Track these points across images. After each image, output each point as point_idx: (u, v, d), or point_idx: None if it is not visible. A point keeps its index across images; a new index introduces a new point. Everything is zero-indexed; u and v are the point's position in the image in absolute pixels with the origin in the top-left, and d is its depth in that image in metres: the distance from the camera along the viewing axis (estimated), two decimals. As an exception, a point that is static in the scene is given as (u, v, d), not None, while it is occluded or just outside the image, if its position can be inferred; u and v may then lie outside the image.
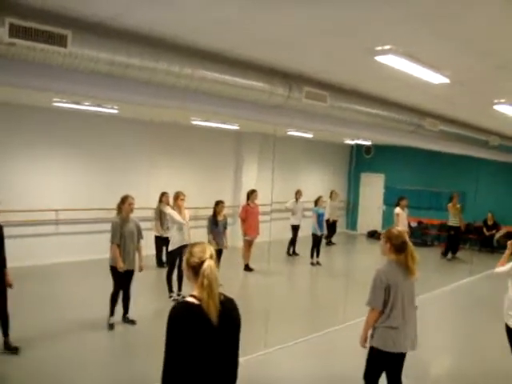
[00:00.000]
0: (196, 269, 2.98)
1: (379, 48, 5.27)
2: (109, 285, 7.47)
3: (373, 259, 15.04)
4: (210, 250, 3.08)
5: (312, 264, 12.95)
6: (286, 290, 10.93)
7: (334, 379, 6.11)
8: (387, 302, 4.53)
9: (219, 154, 15.03)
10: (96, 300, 8.24)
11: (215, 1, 4.09)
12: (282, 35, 5.11)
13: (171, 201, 10.00)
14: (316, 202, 13.09)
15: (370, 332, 4.68)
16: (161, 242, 11.30)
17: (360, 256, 15.32)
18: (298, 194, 13.98)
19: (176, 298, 8.79)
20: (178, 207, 9.03)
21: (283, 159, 15.78)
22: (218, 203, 10.22)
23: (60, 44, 4.63)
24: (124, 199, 7.66)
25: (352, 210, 19.12)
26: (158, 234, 11.45)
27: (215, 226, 10.02)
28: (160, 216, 11.24)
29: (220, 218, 10.11)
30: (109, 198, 11.85)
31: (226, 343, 3.02)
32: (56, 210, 11.23)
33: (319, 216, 12.85)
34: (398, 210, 13.04)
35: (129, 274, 7.59)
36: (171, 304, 2.95)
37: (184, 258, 3.10)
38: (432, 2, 3.89)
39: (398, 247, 4.60)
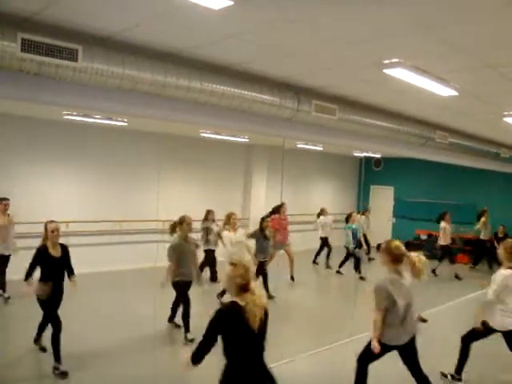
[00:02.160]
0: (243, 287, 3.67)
1: (387, 61, 5.29)
2: (120, 297, 7.43)
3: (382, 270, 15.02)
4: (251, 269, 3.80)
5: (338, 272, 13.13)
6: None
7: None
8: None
9: (229, 167, 15.05)
10: (108, 313, 8.22)
11: (226, 16, 4.13)
12: (291, 48, 5.15)
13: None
14: (348, 219, 13.05)
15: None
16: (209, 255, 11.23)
17: (369, 268, 15.19)
18: (324, 211, 14.02)
19: None
20: (231, 226, 9.16)
21: (293, 172, 15.78)
22: (264, 219, 10.38)
23: (71, 58, 4.69)
24: (182, 219, 7.67)
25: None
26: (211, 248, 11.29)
27: (264, 239, 10.11)
28: (206, 233, 11.13)
29: (267, 232, 10.24)
30: (119, 210, 11.95)
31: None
32: (66, 222, 11.27)
33: (353, 231, 12.80)
34: (443, 224, 13.13)
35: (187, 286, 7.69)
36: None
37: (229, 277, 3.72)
38: (439, 14, 3.91)
39: (396, 258, 4.95)
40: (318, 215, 13.89)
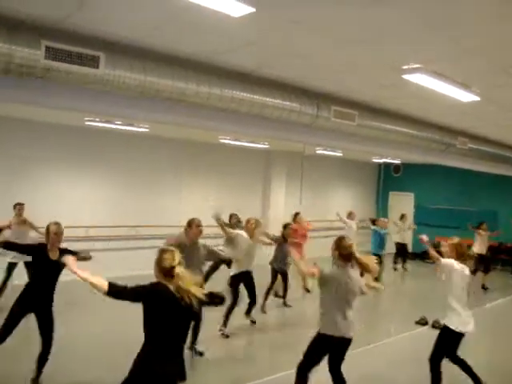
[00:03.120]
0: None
1: (406, 67, 5.29)
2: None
3: (406, 279, 14.93)
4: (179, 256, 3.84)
5: None
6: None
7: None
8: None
9: (248, 173, 15.07)
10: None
11: (247, 23, 4.16)
12: (310, 54, 5.17)
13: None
14: (374, 222, 12.79)
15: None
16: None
17: (390, 275, 15.10)
18: (352, 214, 13.81)
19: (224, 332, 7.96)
20: (247, 231, 8.34)
21: (312, 178, 15.77)
22: (286, 226, 10.02)
23: (93, 65, 4.76)
24: (190, 222, 6.84)
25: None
26: None
27: (283, 247, 9.64)
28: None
29: (290, 238, 9.84)
30: (138, 215, 12.04)
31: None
32: (86, 227, 11.39)
33: (380, 235, 12.40)
34: (482, 232, 12.85)
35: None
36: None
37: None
38: (459, 19, 3.90)
39: (345, 257, 4.95)
40: (373, 222, 13.18)
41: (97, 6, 4.10)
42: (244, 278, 8.11)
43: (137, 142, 12.03)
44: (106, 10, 4.19)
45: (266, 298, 9.53)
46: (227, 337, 7.82)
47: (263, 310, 9.44)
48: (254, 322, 8.55)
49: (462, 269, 5.63)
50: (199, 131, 9.76)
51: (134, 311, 3.86)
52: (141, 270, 7.54)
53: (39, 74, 4.60)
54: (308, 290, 11.00)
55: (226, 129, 7.16)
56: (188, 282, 3.70)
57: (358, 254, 4.95)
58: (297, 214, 11.60)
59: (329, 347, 4.97)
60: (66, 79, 4.74)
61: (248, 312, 8.47)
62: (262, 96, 6.01)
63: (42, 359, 5.58)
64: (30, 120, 10.15)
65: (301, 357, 5.01)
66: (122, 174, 12.23)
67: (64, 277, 5.58)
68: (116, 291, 3.68)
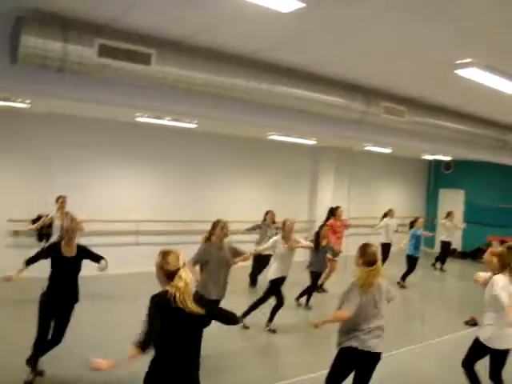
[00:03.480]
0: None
1: (460, 61, 5.17)
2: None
3: (458, 278, 14.63)
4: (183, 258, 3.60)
5: (399, 284, 11.83)
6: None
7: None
8: None
9: (295, 169, 15.01)
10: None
11: (296, 18, 4.15)
12: (361, 50, 5.12)
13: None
14: (412, 224, 12.46)
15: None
16: (260, 260, 10.61)
17: (441, 275, 14.82)
18: (391, 212, 13.56)
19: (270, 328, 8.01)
20: (284, 233, 8.16)
21: (360, 174, 15.60)
22: (322, 227, 9.94)
23: (144, 62, 4.84)
24: (215, 224, 6.66)
25: (430, 227, 18.60)
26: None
27: (319, 250, 9.50)
28: (260, 234, 10.80)
29: (324, 242, 9.64)
30: (188, 210, 12.18)
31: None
32: (137, 221, 11.60)
33: (416, 237, 12.14)
34: None
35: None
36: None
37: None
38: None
39: (369, 264, 4.66)
40: (383, 216, 13.11)
41: (149, 4, 4.17)
42: (281, 283, 8.05)
43: (186, 137, 12.15)
44: (158, 8, 4.25)
45: (308, 297, 9.57)
46: (274, 332, 7.89)
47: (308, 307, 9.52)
48: (273, 331, 8.04)
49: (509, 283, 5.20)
50: (247, 127, 9.80)
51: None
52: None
53: (93, 72, 4.71)
54: (322, 288, 10.76)
55: (275, 125, 7.16)
56: (188, 291, 3.48)
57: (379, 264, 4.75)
58: (337, 208, 11.45)
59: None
60: (118, 76, 4.84)
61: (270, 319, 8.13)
62: (311, 92, 6.00)
63: (46, 348, 5.58)
64: (81, 116, 10.37)
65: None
66: (171, 169, 12.38)
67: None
68: (146, 344, 3.42)
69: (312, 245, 9.19)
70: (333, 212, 11.48)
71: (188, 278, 3.51)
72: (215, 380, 5.83)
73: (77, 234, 5.77)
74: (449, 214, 14.69)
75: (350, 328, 4.60)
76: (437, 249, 16.56)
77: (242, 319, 7.48)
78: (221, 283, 6.57)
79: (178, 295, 3.39)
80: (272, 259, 8.56)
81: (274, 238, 8.34)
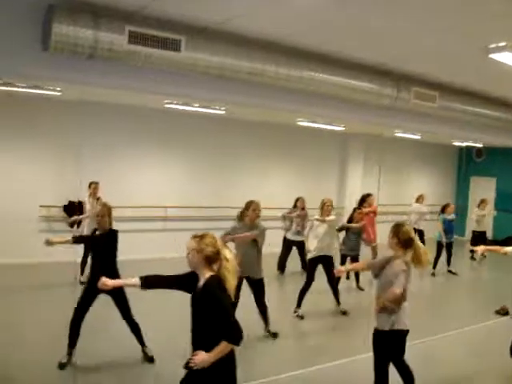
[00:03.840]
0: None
1: (494, 45, 5.07)
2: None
3: (486, 267, 14.44)
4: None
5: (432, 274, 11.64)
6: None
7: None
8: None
9: (324, 155, 14.93)
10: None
11: (327, 3, 4.12)
12: (392, 35, 5.05)
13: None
14: (443, 209, 12.32)
15: None
16: (289, 244, 10.85)
17: (471, 262, 14.64)
18: (421, 198, 13.41)
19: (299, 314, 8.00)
20: (322, 213, 8.18)
21: (389, 161, 15.46)
22: (356, 210, 9.93)
23: (174, 49, 4.85)
24: (248, 205, 6.80)
25: (461, 215, 18.36)
26: (288, 237, 10.88)
27: (352, 233, 9.56)
28: (290, 221, 10.81)
29: (354, 224, 9.62)
30: (215, 196, 12.25)
31: None
32: (165, 207, 11.71)
33: (446, 223, 11.97)
34: None
35: (253, 283, 6.79)
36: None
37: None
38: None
39: (404, 243, 4.66)
40: (442, 210, 12.29)
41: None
42: (322, 262, 8.01)
43: (214, 124, 12.17)
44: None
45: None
46: (302, 318, 7.87)
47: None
48: (344, 313, 8.16)
49: None
50: (277, 113, 9.76)
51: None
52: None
53: (123, 58, 4.74)
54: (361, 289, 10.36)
55: (304, 110, 7.12)
56: (233, 272, 3.44)
57: (417, 242, 4.73)
58: (369, 195, 11.35)
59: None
60: (148, 63, 4.87)
61: (337, 301, 8.26)
62: (340, 77, 5.96)
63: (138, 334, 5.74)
64: (111, 103, 10.46)
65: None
66: (200, 155, 12.43)
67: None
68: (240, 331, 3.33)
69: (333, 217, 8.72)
70: (364, 199, 11.37)
71: (232, 258, 3.49)
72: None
73: (108, 218, 5.76)
74: (482, 202, 14.44)
75: (393, 308, 4.58)
76: (467, 236, 16.39)
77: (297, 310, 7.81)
78: (251, 262, 6.63)
79: (229, 277, 3.40)
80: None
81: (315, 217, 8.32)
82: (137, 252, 10.18)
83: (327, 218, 8.10)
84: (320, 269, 8.03)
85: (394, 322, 4.58)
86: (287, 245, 10.85)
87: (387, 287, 4.54)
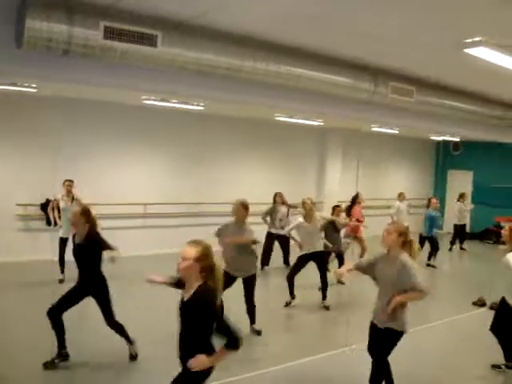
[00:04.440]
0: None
1: (469, 40, 5.10)
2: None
3: (463, 260, 14.64)
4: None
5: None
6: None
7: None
8: None
9: (303, 150, 14.96)
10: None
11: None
12: (369, 29, 5.05)
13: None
14: (428, 204, 12.52)
15: None
16: (273, 239, 10.90)
17: (450, 254, 14.81)
18: (402, 196, 13.53)
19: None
20: (305, 213, 8.34)
21: (367, 155, 15.55)
22: (335, 208, 9.96)
23: (151, 44, 4.81)
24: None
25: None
26: (273, 231, 10.91)
27: (333, 230, 9.62)
28: (271, 215, 10.87)
29: (337, 222, 9.73)
30: (195, 193, 12.21)
31: None
32: (144, 204, 11.64)
33: (431, 217, 12.13)
34: None
35: (245, 279, 6.77)
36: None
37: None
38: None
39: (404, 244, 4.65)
40: (427, 205, 12.74)
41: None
42: (313, 259, 8.15)
43: (192, 120, 12.13)
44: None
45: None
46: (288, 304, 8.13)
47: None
48: (327, 308, 8.24)
49: None
50: (254, 109, 9.75)
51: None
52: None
53: (98, 54, 4.68)
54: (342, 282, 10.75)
55: (283, 106, 7.12)
56: (221, 279, 3.42)
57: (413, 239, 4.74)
58: (358, 195, 11.39)
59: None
60: (124, 58, 4.81)
61: (324, 296, 8.31)
62: (318, 72, 5.96)
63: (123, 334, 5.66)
64: (88, 100, 10.34)
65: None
66: (179, 151, 12.37)
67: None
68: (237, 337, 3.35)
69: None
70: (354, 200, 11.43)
71: (220, 266, 3.47)
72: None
73: (84, 224, 5.59)
74: (461, 196, 14.70)
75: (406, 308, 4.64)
76: (446, 229, 16.58)
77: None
78: (238, 261, 6.64)
79: (219, 286, 3.38)
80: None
81: (299, 219, 8.39)
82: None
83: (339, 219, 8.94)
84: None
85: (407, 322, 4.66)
86: (271, 239, 10.89)
87: (393, 286, 4.53)
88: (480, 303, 8.75)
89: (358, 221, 10.78)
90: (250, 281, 6.78)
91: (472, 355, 6.40)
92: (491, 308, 8.32)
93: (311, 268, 8.19)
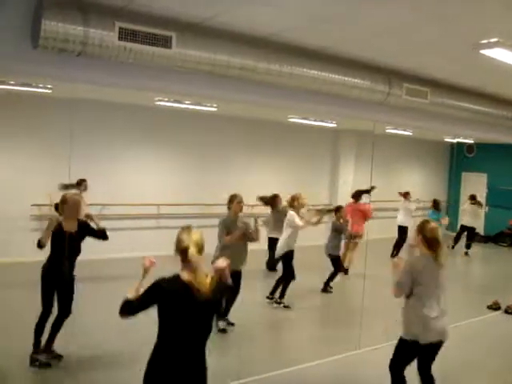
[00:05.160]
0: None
1: (485, 41, 5.06)
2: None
3: (478, 263, 14.52)
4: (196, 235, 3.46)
5: None
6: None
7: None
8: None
9: (316, 152, 14.96)
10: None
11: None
12: (383, 30, 5.03)
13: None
14: (436, 205, 12.56)
15: None
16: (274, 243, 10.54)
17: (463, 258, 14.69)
18: (408, 195, 13.52)
19: (274, 302, 8.58)
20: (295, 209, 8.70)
21: (381, 157, 15.44)
22: (338, 209, 10.03)
23: (165, 45, 4.82)
24: (232, 198, 7.32)
25: (452, 210, 18.43)
26: (271, 236, 10.71)
27: (335, 233, 9.76)
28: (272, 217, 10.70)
29: (339, 223, 9.90)
30: (208, 194, 12.23)
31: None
32: (157, 205, 11.68)
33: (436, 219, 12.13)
34: None
35: (236, 276, 6.77)
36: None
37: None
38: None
39: (429, 242, 4.57)
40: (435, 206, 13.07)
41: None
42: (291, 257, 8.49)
43: (206, 121, 12.15)
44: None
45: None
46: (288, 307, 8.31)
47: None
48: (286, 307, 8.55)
49: None
50: (268, 110, 9.74)
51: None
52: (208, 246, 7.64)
53: (113, 55, 4.70)
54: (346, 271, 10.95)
55: (296, 107, 7.12)
56: (200, 272, 3.38)
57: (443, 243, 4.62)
58: (358, 192, 11.39)
59: None
60: (138, 60, 4.82)
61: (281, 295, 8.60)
62: (332, 73, 5.93)
63: (56, 327, 5.78)
64: (102, 101, 10.41)
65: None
66: (192, 152, 12.42)
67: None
68: (126, 310, 3.39)
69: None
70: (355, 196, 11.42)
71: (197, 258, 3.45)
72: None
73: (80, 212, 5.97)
74: (473, 198, 14.63)
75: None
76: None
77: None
78: (239, 255, 7.01)
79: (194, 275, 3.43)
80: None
81: (290, 212, 8.68)
82: (130, 250, 10.15)
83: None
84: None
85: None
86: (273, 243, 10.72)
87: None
88: (495, 307, 8.68)
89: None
90: (238, 275, 7.01)
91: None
92: (506, 312, 8.29)
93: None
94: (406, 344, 4.68)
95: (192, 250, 3.37)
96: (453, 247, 14.52)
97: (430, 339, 4.54)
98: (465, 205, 14.79)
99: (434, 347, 4.62)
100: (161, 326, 3.35)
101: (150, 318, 3.44)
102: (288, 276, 8.47)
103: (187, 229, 3.51)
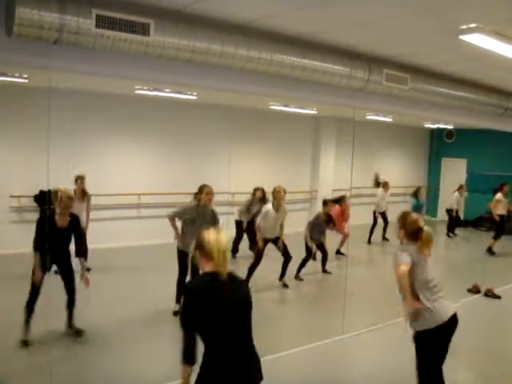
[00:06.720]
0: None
1: (464, 27, 5.07)
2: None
3: (458, 246, 14.70)
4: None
5: None
6: (365, 277, 10.73)
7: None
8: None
9: (297, 139, 14.97)
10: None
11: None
12: (363, 17, 5.02)
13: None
14: (416, 193, 12.77)
15: None
16: (240, 227, 11.08)
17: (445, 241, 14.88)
18: (386, 186, 13.70)
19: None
20: (275, 200, 8.85)
21: (361, 144, 15.49)
22: (326, 203, 10.15)
23: (143, 33, 4.75)
24: (201, 188, 7.33)
25: (432, 196, 18.58)
26: (238, 219, 11.12)
27: (322, 224, 9.97)
28: (248, 207, 11.02)
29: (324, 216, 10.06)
30: (189, 182, 12.17)
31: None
32: (138, 194, 11.60)
33: (418, 206, 12.34)
34: (499, 196, 12.62)
35: (183, 256, 7.17)
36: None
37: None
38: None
39: (412, 234, 4.47)
40: (415, 194, 13.41)
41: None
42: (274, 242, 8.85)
43: (186, 109, 12.08)
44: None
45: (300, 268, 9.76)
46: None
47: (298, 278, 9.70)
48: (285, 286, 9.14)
49: None
50: (248, 97, 9.70)
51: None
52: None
53: (90, 43, 4.62)
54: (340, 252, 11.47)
55: (276, 94, 7.07)
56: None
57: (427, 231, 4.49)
58: (343, 198, 11.44)
59: None
60: (116, 47, 4.75)
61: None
62: (312, 60, 5.91)
63: (70, 305, 6.19)
64: (80, 90, 10.27)
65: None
66: (172, 141, 12.35)
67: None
68: (189, 351, 3.09)
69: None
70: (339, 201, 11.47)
71: None
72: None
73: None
74: (460, 187, 14.90)
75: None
76: (440, 217, 16.64)
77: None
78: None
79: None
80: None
81: (268, 206, 8.88)
82: (111, 240, 10.09)
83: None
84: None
85: None
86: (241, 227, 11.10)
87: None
88: (475, 290, 8.79)
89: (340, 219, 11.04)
90: None
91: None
92: (486, 295, 8.39)
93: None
94: (425, 335, 4.60)
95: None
96: (448, 235, 14.82)
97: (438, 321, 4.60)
98: (456, 193, 15.04)
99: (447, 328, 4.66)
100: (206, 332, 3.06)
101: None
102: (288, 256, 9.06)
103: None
